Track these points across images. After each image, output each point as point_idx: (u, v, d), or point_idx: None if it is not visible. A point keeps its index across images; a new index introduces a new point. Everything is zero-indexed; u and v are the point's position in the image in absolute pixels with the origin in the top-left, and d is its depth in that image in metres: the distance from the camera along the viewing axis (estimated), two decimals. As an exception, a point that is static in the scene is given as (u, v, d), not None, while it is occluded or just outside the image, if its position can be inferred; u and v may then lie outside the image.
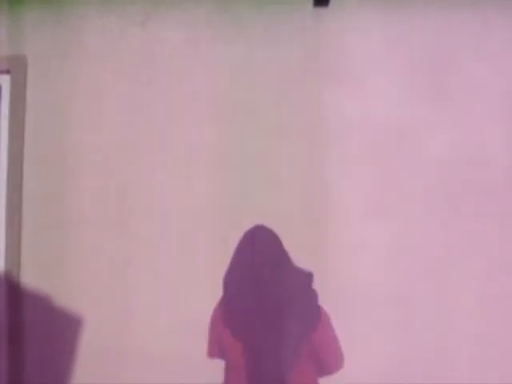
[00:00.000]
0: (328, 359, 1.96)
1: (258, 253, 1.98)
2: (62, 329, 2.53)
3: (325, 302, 2.48)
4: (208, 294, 2.49)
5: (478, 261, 2.47)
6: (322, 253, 2.49)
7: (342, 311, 2.46)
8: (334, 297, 2.47)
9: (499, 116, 2.54)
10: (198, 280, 2.50)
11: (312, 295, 2.00)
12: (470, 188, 2.50)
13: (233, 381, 1.93)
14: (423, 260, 2.48)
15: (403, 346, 2.45)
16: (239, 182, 2.53)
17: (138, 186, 2.56)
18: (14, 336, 2.51)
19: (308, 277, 2.04)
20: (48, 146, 2.60)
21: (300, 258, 2.49)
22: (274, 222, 2.51)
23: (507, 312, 2.46)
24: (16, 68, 2.62)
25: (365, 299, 2.46)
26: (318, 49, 2.58)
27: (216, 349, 2.03)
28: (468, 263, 2.47)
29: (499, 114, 2.54)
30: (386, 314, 2.46)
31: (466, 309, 2.45)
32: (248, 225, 2.52)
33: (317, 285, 2.49)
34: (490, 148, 2.52)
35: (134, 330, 2.51)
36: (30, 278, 2.55)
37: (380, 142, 2.53)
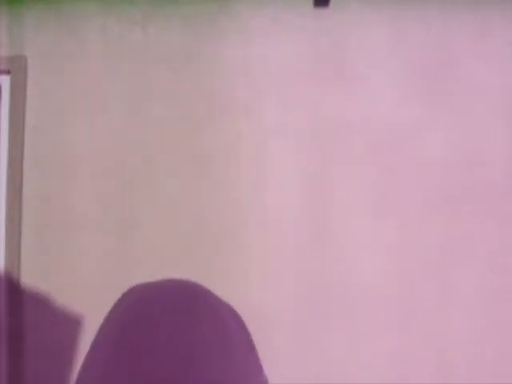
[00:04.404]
0: None
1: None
2: (61, 329, 2.53)
3: (326, 302, 2.48)
4: (208, 294, 2.49)
5: (478, 261, 2.47)
6: (323, 253, 2.49)
7: (343, 311, 2.46)
8: (334, 297, 2.47)
9: (499, 116, 2.54)
10: (199, 281, 2.50)
11: None
12: (470, 188, 2.50)
13: None
14: (424, 260, 2.48)
15: (403, 346, 2.45)
16: (239, 183, 2.53)
17: (138, 186, 2.56)
18: (13, 336, 2.51)
19: None
20: (48, 146, 2.60)
21: (301, 259, 2.49)
22: (275, 223, 2.52)
23: (507, 312, 2.46)
24: (16, 68, 2.62)
25: (365, 299, 2.46)
26: (318, 49, 2.58)
27: None
28: (468, 263, 2.47)
29: (499, 114, 2.54)
30: (386, 314, 2.46)
31: (466, 309, 2.45)
32: (248, 226, 2.53)
33: (318, 285, 2.50)
34: (491, 148, 2.52)
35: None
36: (29, 278, 2.55)
37: (380, 142, 2.53)
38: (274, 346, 2.46)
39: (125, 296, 0.74)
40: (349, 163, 2.53)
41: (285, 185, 2.53)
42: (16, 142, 2.60)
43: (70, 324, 2.52)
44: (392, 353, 2.44)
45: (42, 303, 2.53)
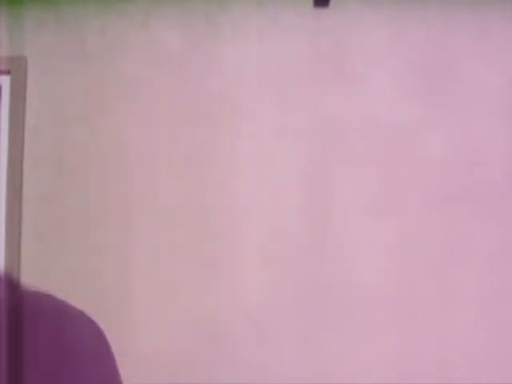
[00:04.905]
0: None
1: None
2: (62, 329, 2.52)
3: (326, 302, 2.48)
4: (208, 294, 2.49)
5: (478, 261, 2.47)
6: (323, 253, 2.49)
7: (343, 311, 2.46)
8: (334, 297, 2.47)
9: (499, 116, 2.54)
10: (199, 281, 2.50)
11: None
12: (470, 188, 2.50)
13: None
14: (424, 260, 2.48)
15: (403, 346, 2.45)
16: (239, 183, 2.53)
17: (138, 186, 2.56)
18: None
19: None
20: (48, 146, 2.60)
21: (301, 259, 2.49)
22: (275, 224, 2.52)
23: (507, 312, 2.46)
24: (16, 68, 2.62)
25: (365, 299, 2.46)
26: (318, 49, 2.58)
27: None
28: (468, 263, 2.47)
29: (499, 114, 2.54)
30: (386, 314, 2.46)
31: (466, 309, 2.45)
32: (248, 226, 2.53)
33: (318, 285, 2.50)
34: (491, 148, 2.52)
35: (133, 331, 2.51)
36: (29, 278, 2.55)
37: (380, 142, 2.53)
38: (274, 345, 2.46)
39: None
40: (349, 163, 2.53)
41: (285, 185, 2.52)
42: (16, 142, 2.60)
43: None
44: (392, 353, 2.44)
45: (42, 303, 2.53)
